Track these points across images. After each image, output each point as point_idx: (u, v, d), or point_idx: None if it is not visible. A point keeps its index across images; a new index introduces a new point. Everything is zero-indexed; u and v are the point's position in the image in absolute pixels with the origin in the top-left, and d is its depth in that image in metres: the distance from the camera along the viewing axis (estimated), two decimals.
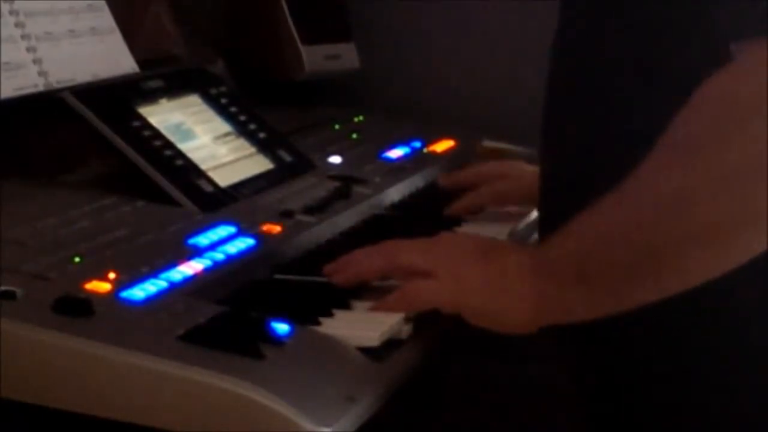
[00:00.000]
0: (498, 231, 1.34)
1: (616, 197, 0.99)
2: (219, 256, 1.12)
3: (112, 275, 1.02)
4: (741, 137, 0.93)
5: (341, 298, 1.08)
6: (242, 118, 1.46)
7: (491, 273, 1.05)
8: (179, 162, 1.30)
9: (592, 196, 1.00)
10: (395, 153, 1.63)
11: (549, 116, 1.14)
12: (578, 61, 1.10)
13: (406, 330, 1.04)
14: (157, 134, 1.31)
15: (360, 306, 1.07)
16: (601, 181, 1.00)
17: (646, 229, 0.97)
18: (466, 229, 1.37)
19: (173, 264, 1.07)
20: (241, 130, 1.44)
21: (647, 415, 1.09)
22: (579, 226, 1.02)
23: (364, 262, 1.10)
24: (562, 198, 1.11)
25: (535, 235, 1.29)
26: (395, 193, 1.47)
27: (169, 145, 1.31)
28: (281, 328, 0.97)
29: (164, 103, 1.38)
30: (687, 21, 1.01)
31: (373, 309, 1.06)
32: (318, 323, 1.01)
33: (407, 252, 1.09)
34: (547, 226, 1.13)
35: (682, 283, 0.97)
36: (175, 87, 1.42)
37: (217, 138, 1.40)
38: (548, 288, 1.02)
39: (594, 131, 1.08)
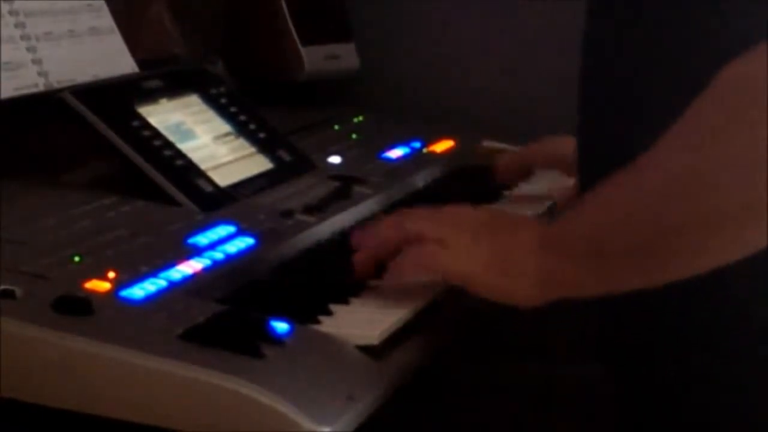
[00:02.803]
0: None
1: (631, 175, 0.98)
2: (219, 255, 1.12)
3: (111, 274, 1.02)
4: (762, 123, 0.93)
5: (341, 296, 1.08)
6: (242, 118, 1.46)
7: (500, 246, 1.04)
8: (179, 162, 1.30)
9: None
10: (395, 153, 1.63)
11: (584, 108, 1.14)
12: (606, 58, 1.10)
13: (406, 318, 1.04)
14: (156, 134, 1.31)
15: (360, 304, 1.07)
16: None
17: (659, 209, 0.97)
18: None
19: (173, 263, 1.07)
20: (241, 130, 1.44)
21: (661, 415, 1.09)
22: (592, 202, 1.01)
23: (377, 239, 1.10)
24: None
25: None
26: (395, 193, 1.47)
27: (169, 145, 1.31)
28: (281, 327, 0.97)
29: (164, 103, 1.38)
30: (703, 25, 1.01)
31: (386, 279, 1.06)
32: (318, 322, 1.01)
33: (416, 220, 1.09)
34: None
35: (694, 267, 0.97)
36: (174, 87, 1.42)
37: (217, 138, 1.40)
38: (556, 262, 1.01)
39: (627, 122, 1.08)
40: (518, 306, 1.04)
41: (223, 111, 1.45)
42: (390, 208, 1.43)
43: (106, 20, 1.48)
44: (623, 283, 1.00)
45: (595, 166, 1.12)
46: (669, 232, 0.97)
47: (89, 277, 1.01)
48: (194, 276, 1.07)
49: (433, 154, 1.68)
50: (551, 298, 1.04)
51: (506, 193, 1.51)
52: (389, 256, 1.09)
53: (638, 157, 0.97)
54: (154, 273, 1.04)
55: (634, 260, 0.99)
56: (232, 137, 1.42)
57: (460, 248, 1.05)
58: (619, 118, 1.09)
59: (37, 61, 1.36)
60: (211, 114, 1.44)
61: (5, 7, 1.35)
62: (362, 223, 1.34)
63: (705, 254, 0.97)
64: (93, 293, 0.99)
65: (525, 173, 1.54)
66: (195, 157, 1.33)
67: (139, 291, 1.00)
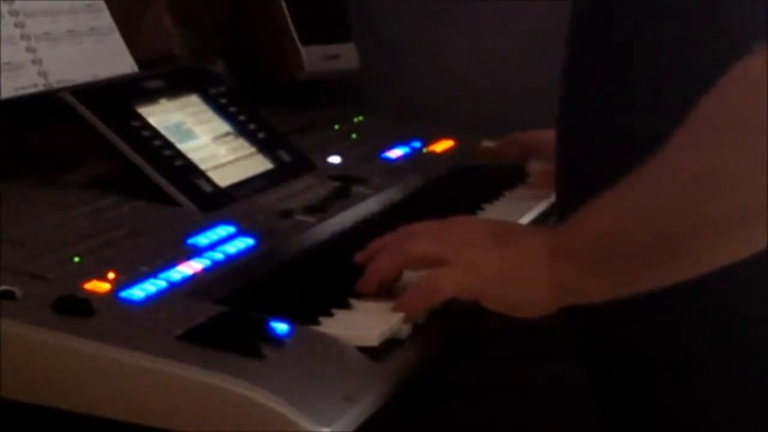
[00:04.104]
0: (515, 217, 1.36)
1: (638, 178, 0.98)
2: (218, 256, 1.12)
3: (111, 275, 1.02)
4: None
5: (341, 297, 1.08)
6: (242, 117, 1.46)
7: (508, 258, 1.03)
8: (179, 162, 1.30)
9: (608, 172, 1.00)
10: (395, 153, 1.63)
11: (566, 98, 1.14)
12: (589, 54, 1.10)
13: (406, 330, 1.04)
14: (156, 134, 1.31)
15: (359, 305, 1.07)
16: (616, 161, 1.00)
17: (668, 211, 0.97)
18: (484, 215, 1.38)
19: (173, 264, 1.07)
20: (241, 130, 1.44)
21: (656, 412, 1.09)
22: (599, 207, 1.01)
23: (382, 266, 1.08)
24: (580, 173, 1.11)
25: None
26: (395, 193, 1.47)
27: (169, 145, 1.31)
28: (281, 327, 0.97)
29: (164, 103, 1.38)
30: (700, 23, 1.01)
31: (395, 309, 1.04)
32: (318, 323, 1.01)
33: (419, 242, 1.07)
34: (564, 204, 1.13)
35: (704, 266, 0.97)
36: (174, 87, 1.42)
37: (217, 138, 1.40)
38: (566, 270, 1.01)
39: (606, 116, 1.08)
40: (530, 317, 1.04)
41: (222, 111, 1.45)
42: (390, 208, 1.43)
43: (106, 20, 1.48)
44: (634, 286, 1.00)
45: (571, 159, 1.12)
46: (678, 233, 0.97)
47: (89, 278, 1.01)
48: (194, 277, 1.07)
49: (433, 154, 1.68)
50: (563, 304, 1.04)
51: (506, 193, 1.51)
52: (393, 281, 1.09)
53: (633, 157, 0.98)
54: (154, 273, 1.04)
55: (645, 262, 0.99)
56: (231, 137, 1.42)
57: (467, 263, 1.04)
58: (598, 112, 1.09)
59: (36, 61, 1.36)
60: (210, 114, 1.44)
61: (5, 7, 1.35)
62: (362, 224, 1.34)
63: (714, 254, 0.97)
64: (93, 294, 0.99)
65: (524, 156, 1.56)
66: (195, 157, 1.33)
67: (138, 292, 1.00)
